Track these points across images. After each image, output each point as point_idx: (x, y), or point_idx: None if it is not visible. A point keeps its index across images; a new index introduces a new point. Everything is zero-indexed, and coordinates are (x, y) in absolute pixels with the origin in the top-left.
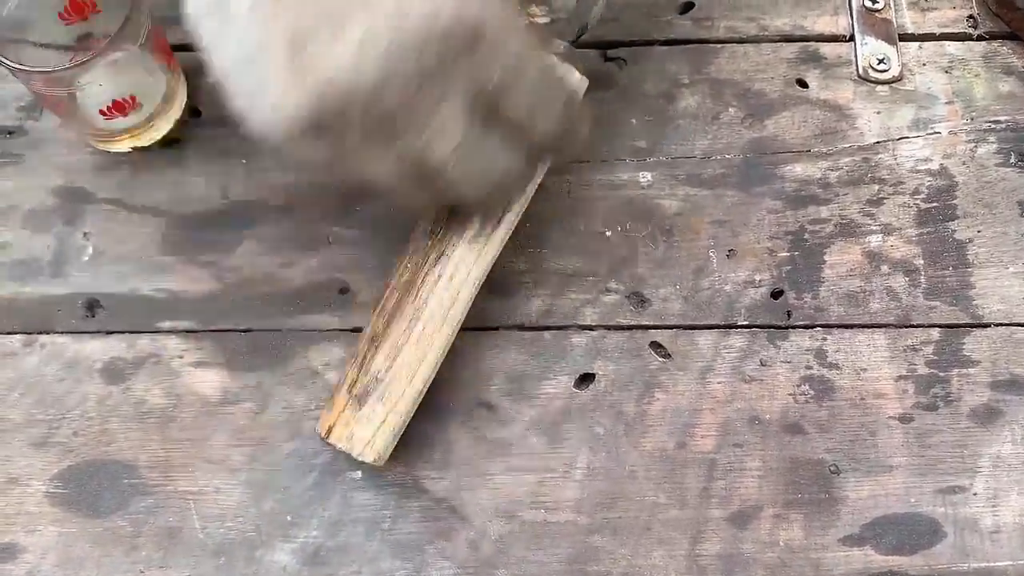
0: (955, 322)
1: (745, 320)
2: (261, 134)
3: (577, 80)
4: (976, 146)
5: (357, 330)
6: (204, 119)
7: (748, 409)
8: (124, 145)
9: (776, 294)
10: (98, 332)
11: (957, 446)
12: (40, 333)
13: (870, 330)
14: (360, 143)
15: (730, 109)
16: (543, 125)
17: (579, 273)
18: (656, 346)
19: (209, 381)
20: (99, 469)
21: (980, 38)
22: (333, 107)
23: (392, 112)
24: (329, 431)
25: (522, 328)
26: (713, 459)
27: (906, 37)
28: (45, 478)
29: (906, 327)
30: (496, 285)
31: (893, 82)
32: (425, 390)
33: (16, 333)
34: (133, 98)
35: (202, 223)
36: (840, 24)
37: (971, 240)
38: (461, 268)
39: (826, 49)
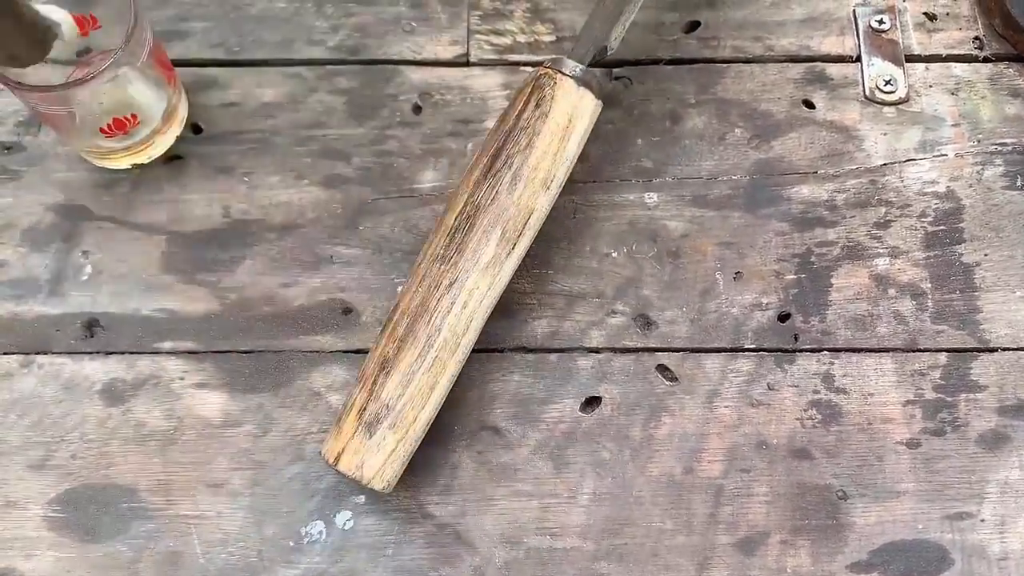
0: (962, 346)
1: (752, 343)
2: None
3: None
4: (983, 169)
5: (360, 352)
6: (205, 136)
7: (755, 434)
8: (123, 162)
9: (783, 317)
10: (97, 353)
11: (965, 472)
12: (38, 354)
13: (877, 354)
14: None
15: (736, 130)
16: None
17: (585, 295)
18: (663, 369)
19: (210, 403)
20: (98, 493)
21: (986, 60)
22: None
23: None
24: (338, 458)
25: (527, 350)
26: (720, 484)
27: (912, 58)
28: (43, 502)
29: (913, 351)
30: (501, 306)
31: (900, 103)
32: (434, 417)
33: (13, 353)
34: (134, 116)
35: (203, 241)
36: (847, 45)
37: (978, 264)
38: (475, 295)
39: (832, 70)
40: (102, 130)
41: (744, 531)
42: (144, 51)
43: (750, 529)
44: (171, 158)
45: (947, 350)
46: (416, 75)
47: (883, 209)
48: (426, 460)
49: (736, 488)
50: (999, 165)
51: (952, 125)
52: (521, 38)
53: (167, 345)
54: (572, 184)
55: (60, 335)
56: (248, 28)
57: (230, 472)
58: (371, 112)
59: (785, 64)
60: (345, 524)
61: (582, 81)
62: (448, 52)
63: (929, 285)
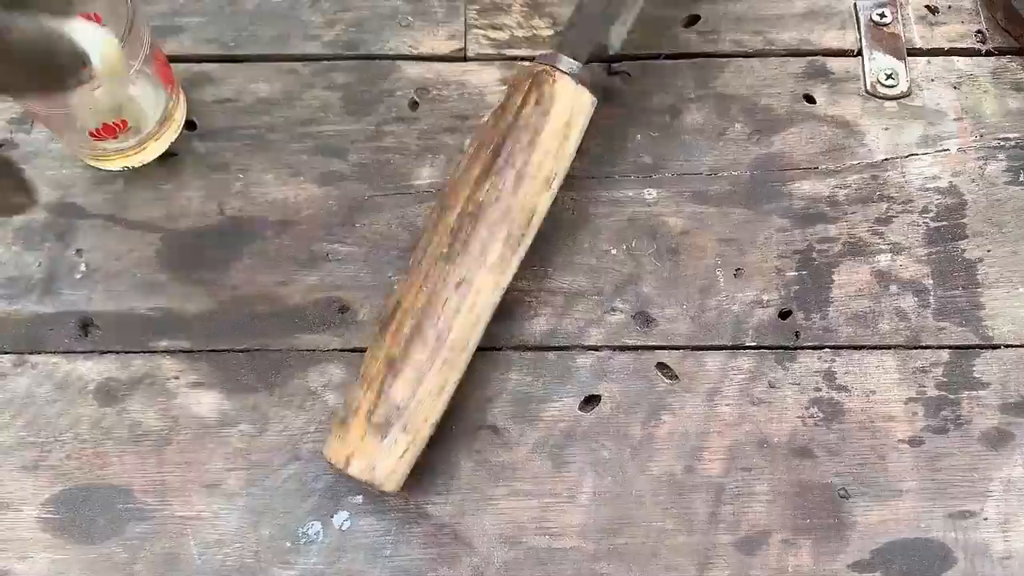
0: (965, 343)
1: (753, 341)
2: None
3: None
4: (985, 163)
5: (357, 350)
6: (200, 132)
7: (756, 432)
8: (116, 164)
9: (784, 314)
10: (91, 352)
11: (967, 470)
12: (31, 353)
13: (879, 351)
14: None
15: (736, 125)
16: None
17: (584, 292)
18: (663, 367)
19: (206, 402)
20: (93, 493)
21: (989, 53)
22: None
23: None
24: (347, 462)
25: (525, 348)
26: (721, 483)
27: (914, 52)
28: (37, 503)
29: (915, 348)
30: (499, 304)
31: (901, 98)
32: (441, 417)
33: (6, 353)
34: (124, 122)
35: (198, 239)
36: (848, 38)
37: (981, 260)
38: (483, 294)
39: (833, 64)
40: (91, 134)
41: (745, 530)
42: (142, 56)
43: (751, 528)
44: (166, 155)
45: (949, 347)
46: (413, 70)
47: (885, 205)
48: (424, 460)
49: (737, 487)
50: (1002, 160)
51: (954, 120)
52: (519, 32)
53: (162, 344)
54: (571, 180)
55: (54, 334)
56: (243, 23)
57: (226, 472)
58: (367, 108)
59: (786, 58)
60: (343, 524)
61: (579, 78)
62: (445, 47)
63: (931, 281)
